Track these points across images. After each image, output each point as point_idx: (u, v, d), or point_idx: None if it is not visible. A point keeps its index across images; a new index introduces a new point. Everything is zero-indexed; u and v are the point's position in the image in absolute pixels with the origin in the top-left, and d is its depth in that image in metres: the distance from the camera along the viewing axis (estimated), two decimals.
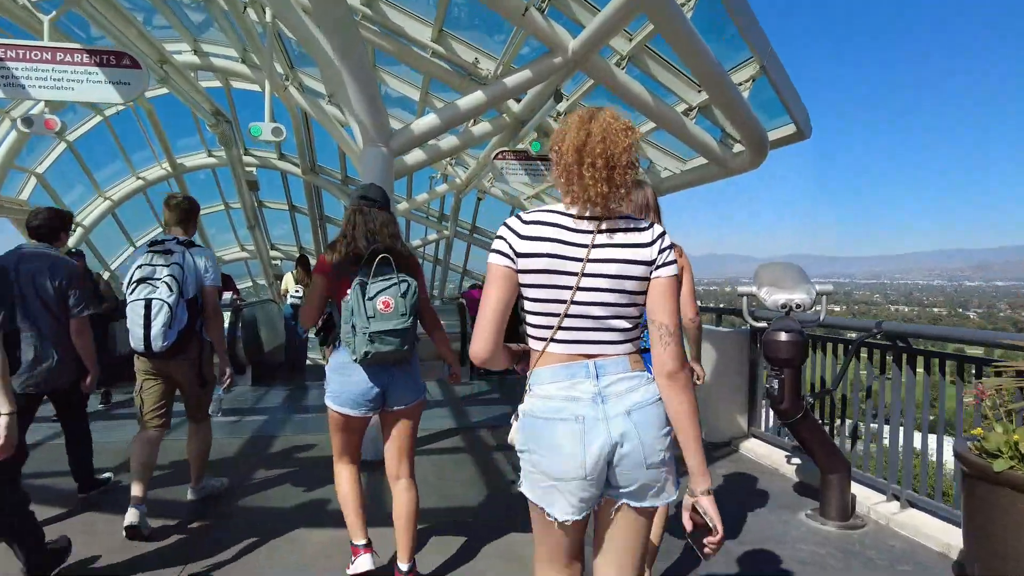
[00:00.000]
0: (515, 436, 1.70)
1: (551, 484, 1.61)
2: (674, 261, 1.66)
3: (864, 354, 3.97)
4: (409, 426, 2.77)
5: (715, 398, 5.21)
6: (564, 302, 1.61)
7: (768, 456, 4.73)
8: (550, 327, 1.63)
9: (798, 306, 3.54)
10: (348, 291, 2.57)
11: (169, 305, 3.21)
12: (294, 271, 9.69)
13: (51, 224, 3.56)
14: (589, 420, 1.58)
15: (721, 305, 6.12)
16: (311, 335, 8.18)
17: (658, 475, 1.62)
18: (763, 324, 3.77)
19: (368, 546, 2.81)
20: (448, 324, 8.01)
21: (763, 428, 5.11)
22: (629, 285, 1.62)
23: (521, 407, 1.69)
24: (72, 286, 3.39)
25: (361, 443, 2.83)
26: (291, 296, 9.14)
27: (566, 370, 1.62)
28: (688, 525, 1.64)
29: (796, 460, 4.44)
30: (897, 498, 3.65)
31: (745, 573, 2.99)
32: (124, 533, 3.14)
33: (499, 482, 4.22)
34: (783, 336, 3.59)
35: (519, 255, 1.62)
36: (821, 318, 3.73)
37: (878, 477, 3.84)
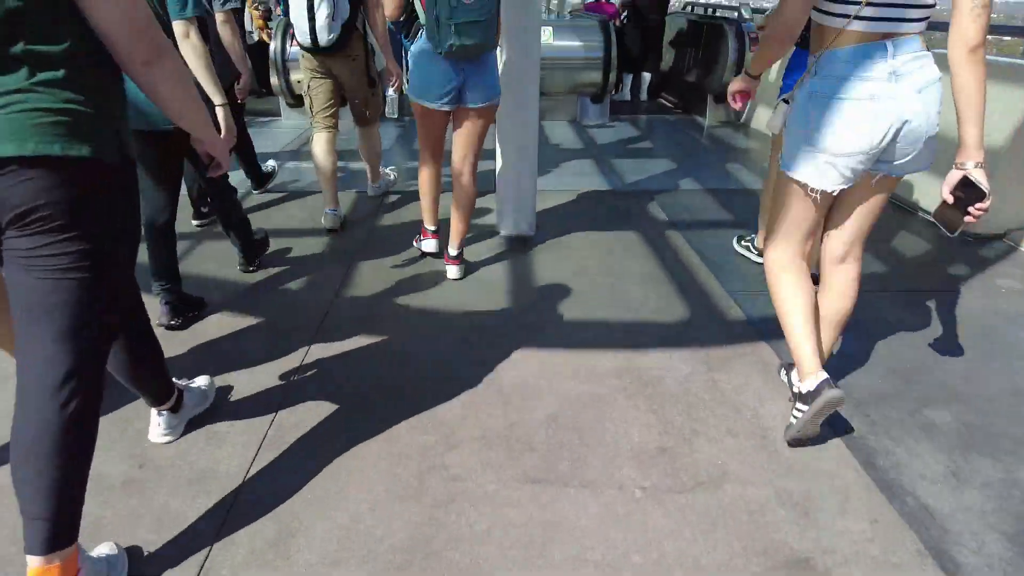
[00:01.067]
0: (776, 122, 1.86)
1: (829, 160, 1.70)
2: None
3: None
4: (481, 125, 2.84)
5: (988, 167, 3.71)
6: None
7: None
8: (857, 2, 1.60)
9: None
10: None
11: None
12: None
13: None
14: (883, 98, 1.61)
15: None
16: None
17: (929, 146, 1.69)
18: None
19: (436, 232, 3.19)
20: (589, 46, 6.33)
21: None
22: None
23: (804, 88, 1.73)
24: None
25: (444, 139, 2.92)
26: None
27: (863, 50, 1.62)
28: (949, 199, 1.64)
29: None
30: None
31: None
32: (326, 227, 3.61)
33: (692, 282, 3.19)
34: None
35: None
36: None
37: None
